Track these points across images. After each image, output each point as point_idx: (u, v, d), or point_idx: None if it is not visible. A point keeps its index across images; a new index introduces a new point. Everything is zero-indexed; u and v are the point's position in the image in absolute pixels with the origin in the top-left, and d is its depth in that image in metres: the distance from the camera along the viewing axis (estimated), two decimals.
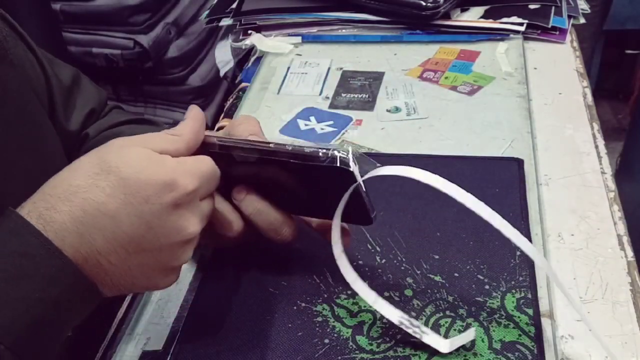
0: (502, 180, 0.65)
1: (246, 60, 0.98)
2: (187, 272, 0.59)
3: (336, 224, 0.51)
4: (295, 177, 0.50)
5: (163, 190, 0.42)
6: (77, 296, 0.42)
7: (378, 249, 0.59)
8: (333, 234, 0.52)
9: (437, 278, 0.55)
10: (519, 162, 0.67)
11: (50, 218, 0.41)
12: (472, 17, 0.95)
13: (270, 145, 0.49)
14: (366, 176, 0.48)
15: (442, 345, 0.49)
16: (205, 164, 0.46)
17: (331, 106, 0.82)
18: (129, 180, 0.42)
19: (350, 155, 0.47)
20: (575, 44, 0.91)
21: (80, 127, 0.66)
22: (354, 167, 0.47)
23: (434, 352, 0.49)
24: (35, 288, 0.40)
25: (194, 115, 0.49)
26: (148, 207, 0.42)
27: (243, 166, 0.51)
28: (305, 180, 0.50)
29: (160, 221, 0.43)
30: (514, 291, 0.54)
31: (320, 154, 0.47)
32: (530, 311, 0.52)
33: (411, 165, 0.65)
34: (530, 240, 0.58)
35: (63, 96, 0.65)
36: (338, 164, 0.46)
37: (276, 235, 0.53)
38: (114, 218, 0.41)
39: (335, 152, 0.47)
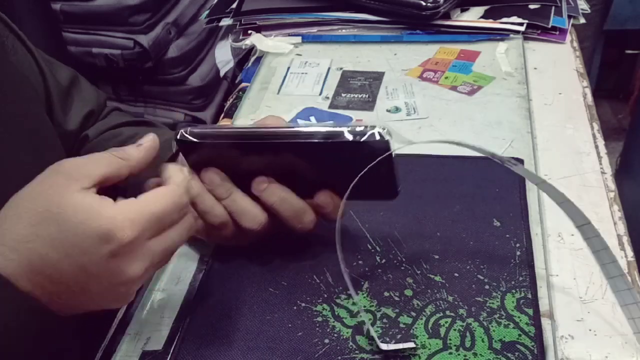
0: (502, 180, 0.65)
1: (246, 60, 0.98)
2: (187, 272, 0.59)
3: (344, 198, 0.51)
4: (320, 159, 0.50)
5: (100, 242, 0.43)
6: (36, 321, 0.44)
7: (378, 249, 0.59)
8: (341, 208, 0.51)
9: (437, 278, 0.55)
10: (519, 162, 0.67)
11: (2, 266, 0.43)
12: (472, 17, 0.95)
13: (300, 129, 0.49)
14: (399, 148, 0.49)
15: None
16: (158, 203, 0.45)
17: (331, 106, 0.82)
18: (67, 233, 0.43)
19: (385, 129, 0.48)
20: (575, 44, 0.91)
21: (78, 128, 0.66)
22: (390, 139, 0.48)
23: (434, 352, 0.49)
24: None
25: (150, 146, 0.49)
26: (87, 258, 0.43)
27: (261, 156, 0.51)
28: (329, 161, 0.50)
29: (99, 269, 0.44)
30: (514, 291, 0.54)
31: (358, 129, 0.48)
32: (530, 311, 0.52)
33: (411, 165, 0.66)
34: (530, 240, 0.58)
35: (61, 97, 0.65)
36: (377, 138, 0.48)
37: (299, 223, 0.54)
38: (56, 268, 0.43)
39: (372, 129, 0.48)
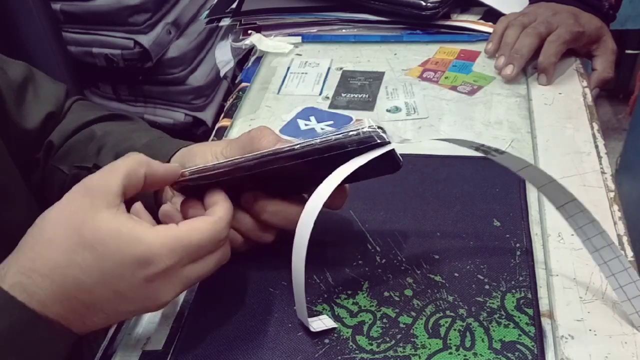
0: (502, 180, 0.65)
1: (246, 60, 0.98)
2: None
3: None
4: (316, 167, 0.49)
5: (137, 267, 0.43)
6: (62, 353, 0.45)
7: (378, 249, 0.59)
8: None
9: (437, 278, 0.55)
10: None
11: (33, 292, 0.43)
12: (472, 17, 0.95)
13: (296, 147, 0.48)
14: (396, 143, 0.49)
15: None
16: (198, 234, 0.46)
17: (331, 106, 0.82)
18: (104, 259, 0.43)
19: (381, 129, 0.47)
20: None
21: (39, 128, 0.64)
22: (388, 137, 0.47)
23: (434, 352, 0.50)
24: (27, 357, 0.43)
25: (173, 168, 0.50)
26: (123, 283, 0.44)
27: (257, 178, 0.50)
28: (328, 166, 0.49)
29: (134, 294, 0.44)
30: (514, 291, 0.54)
31: (351, 134, 0.47)
32: (530, 311, 0.52)
33: (411, 165, 0.66)
34: (530, 240, 0.58)
35: (14, 93, 0.63)
36: (377, 141, 0.47)
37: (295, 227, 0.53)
38: (91, 293, 0.44)
39: (366, 130, 0.47)
